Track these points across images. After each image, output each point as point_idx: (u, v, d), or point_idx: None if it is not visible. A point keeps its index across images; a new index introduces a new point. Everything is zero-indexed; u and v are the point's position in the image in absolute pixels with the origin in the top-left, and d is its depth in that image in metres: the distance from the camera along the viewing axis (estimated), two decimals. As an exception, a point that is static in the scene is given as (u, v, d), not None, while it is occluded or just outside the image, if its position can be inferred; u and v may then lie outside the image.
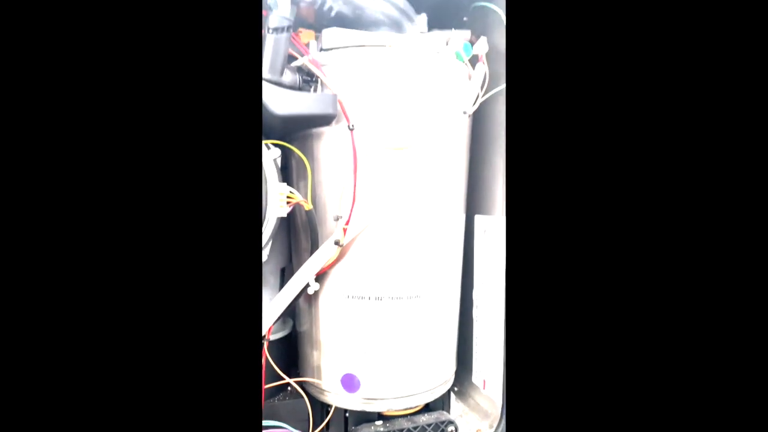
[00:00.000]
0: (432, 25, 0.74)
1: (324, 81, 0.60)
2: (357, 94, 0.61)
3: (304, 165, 0.64)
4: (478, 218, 0.81)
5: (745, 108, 0.28)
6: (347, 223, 0.60)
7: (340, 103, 0.58)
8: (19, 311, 0.26)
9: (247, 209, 0.34)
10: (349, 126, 0.58)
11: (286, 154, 0.68)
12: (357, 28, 0.68)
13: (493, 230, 0.76)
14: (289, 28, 0.55)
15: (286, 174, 0.70)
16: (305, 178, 0.65)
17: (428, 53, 0.64)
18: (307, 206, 0.59)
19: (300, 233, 0.69)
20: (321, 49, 0.64)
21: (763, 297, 0.27)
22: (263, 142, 0.60)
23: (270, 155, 0.60)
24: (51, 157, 0.27)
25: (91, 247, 0.28)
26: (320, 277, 0.64)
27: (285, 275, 0.76)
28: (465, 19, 0.84)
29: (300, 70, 0.61)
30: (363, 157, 0.60)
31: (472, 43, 0.70)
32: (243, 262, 0.33)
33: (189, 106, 0.32)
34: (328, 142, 0.63)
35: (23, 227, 0.26)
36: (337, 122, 0.60)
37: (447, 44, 0.69)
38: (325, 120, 0.58)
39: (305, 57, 0.60)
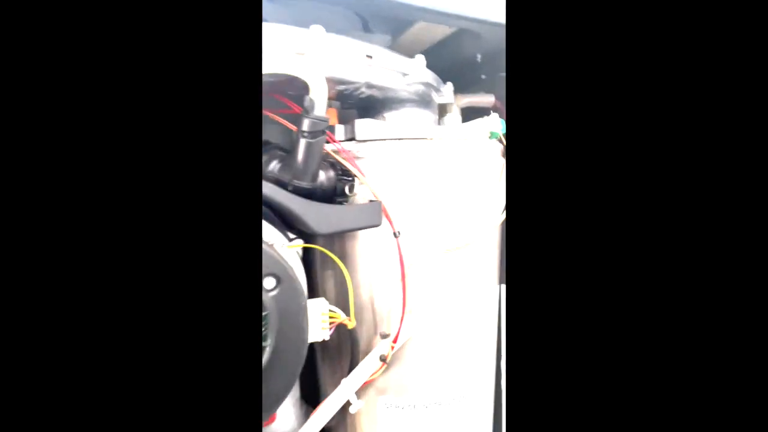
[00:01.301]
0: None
1: (362, 179, 0.53)
2: (398, 191, 0.55)
3: (329, 258, 0.57)
4: (504, 287, 0.77)
5: (745, 114, 0.28)
6: (395, 341, 0.54)
7: (384, 211, 0.52)
8: (14, 311, 0.25)
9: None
10: (394, 233, 0.52)
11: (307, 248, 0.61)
12: (385, 107, 0.62)
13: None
14: (324, 130, 0.48)
15: (307, 264, 0.63)
16: (332, 268, 0.59)
17: (467, 143, 0.59)
18: (351, 324, 0.53)
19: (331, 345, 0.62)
20: (349, 139, 0.57)
21: (764, 297, 0.27)
22: (289, 245, 0.53)
23: (292, 253, 0.53)
24: (39, 152, 0.26)
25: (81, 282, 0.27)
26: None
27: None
28: (483, 77, 0.80)
29: (333, 165, 0.54)
30: (409, 262, 0.54)
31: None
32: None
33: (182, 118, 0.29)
34: (366, 246, 0.57)
35: (10, 221, 0.26)
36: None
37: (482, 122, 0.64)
38: (368, 228, 0.52)
39: (337, 147, 0.53)
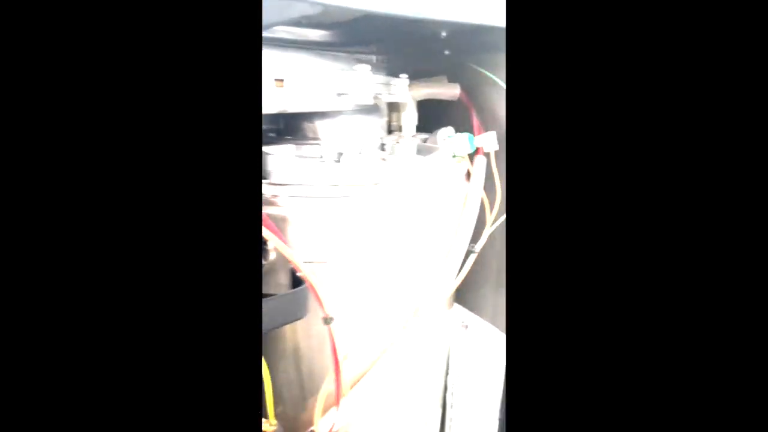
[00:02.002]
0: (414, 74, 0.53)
1: (280, 247, 0.38)
2: (330, 255, 0.41)
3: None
4: (458, 308, 0.68)
5: (746, 114, 0.27)
6: (328, 439, 0.43)
7: (312, 290, 0.38)
8: (14, 312, 0.26)
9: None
10: (325, 318, 0.39)
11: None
12: (316, 116, 0.45)
13: (476, 329, 0.65)
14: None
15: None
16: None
17: (425, 185, 0.44)
18: (272, 427, 0.41)
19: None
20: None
21: (764, 297, 0.28)
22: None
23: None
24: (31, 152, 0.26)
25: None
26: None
27: None
28: (447, 52, 0.62)
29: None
30: (346, 350, 0.42)
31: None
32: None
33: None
34: (287, 332, 0.43)
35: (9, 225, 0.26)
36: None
37: (441, 139, 0.48)
38: (288, 324, 0.38)
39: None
